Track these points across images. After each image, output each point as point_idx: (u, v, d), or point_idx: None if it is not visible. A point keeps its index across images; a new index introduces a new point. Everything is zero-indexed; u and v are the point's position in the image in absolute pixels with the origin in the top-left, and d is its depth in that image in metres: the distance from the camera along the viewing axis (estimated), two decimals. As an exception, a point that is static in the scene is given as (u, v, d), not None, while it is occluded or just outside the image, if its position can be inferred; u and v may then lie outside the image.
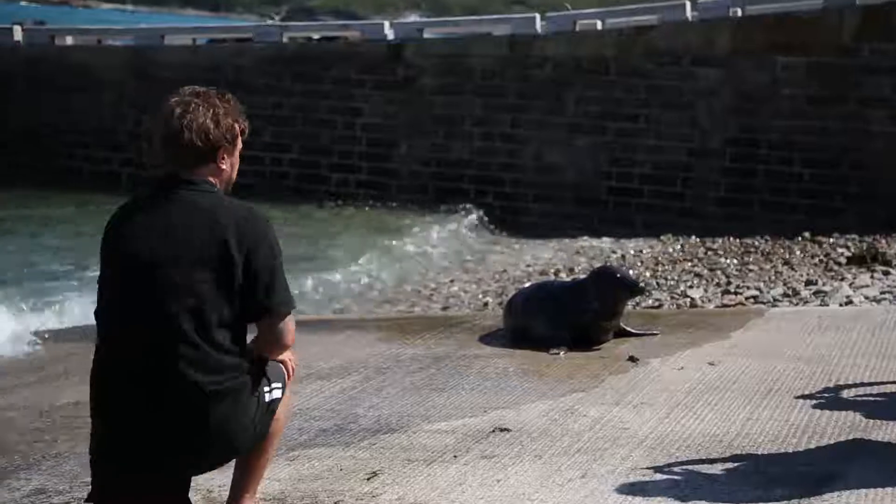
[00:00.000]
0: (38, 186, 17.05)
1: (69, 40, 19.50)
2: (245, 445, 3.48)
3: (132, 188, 16.34)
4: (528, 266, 13.02)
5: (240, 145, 3.53)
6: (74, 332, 7.85)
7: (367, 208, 16.95)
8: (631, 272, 7.13)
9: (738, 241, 13.72)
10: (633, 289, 6.65)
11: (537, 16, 17.41)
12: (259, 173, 16.95)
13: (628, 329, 6.75)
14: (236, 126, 3.47)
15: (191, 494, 3.59)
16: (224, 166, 3.46)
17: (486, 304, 10.39)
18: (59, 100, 18.23)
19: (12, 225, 15.08)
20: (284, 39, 18.33)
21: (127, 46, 19.14)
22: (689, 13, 16.06)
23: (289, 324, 3.47)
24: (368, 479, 4.33)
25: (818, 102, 14.81)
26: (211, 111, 3.40)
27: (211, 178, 3.43)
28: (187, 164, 3.41)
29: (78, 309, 8.93)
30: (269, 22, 35.68)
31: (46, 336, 7.83)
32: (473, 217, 16.03)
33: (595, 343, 6.49)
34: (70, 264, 12.36)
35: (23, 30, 19.62)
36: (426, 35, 18.08)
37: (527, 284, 9.09)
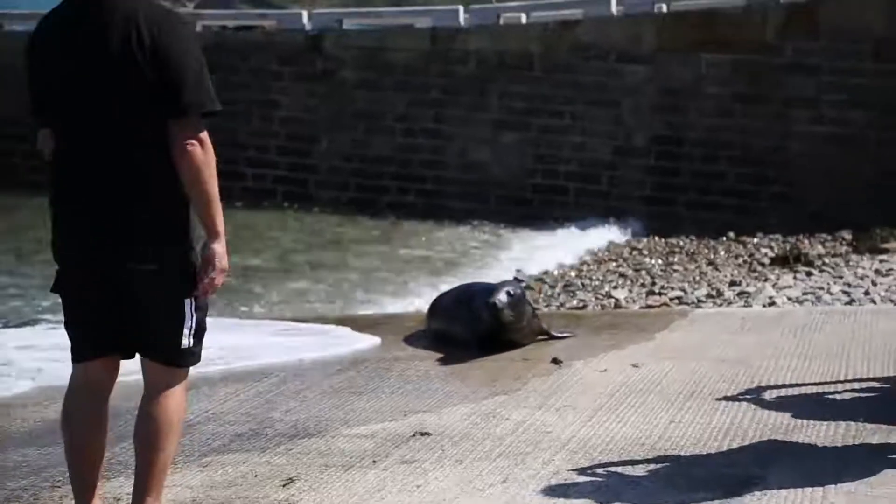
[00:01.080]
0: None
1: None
2: None
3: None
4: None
5: None
6: None
7: (286, 207, 16.81)
8: (508, 293, 6.42)
9: (662, 241, 13.87)
10: (491, 311, 6.32)
11: (460, 8, 17.44)
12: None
13: (548, 331, 6.77)
14: None
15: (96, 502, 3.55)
16: None
17: (410, 302, 10.41)
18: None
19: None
20: (199, 28, 18.11)
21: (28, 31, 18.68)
22: (613, 8, 16.21)
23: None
24: (284, 485, 4.30)
25: (742, 101, 15.04)
26: None
27: None
28: None
29: None
30: (183, 10, 35.20)
31: None
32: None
33: (516, 345, 6.51)
34: None
35: None
36: (346, 26, 18.03)
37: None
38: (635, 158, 15.60)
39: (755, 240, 13.33)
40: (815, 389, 5.51)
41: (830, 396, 5.38)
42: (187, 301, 3.48)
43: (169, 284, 3.47)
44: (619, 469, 4.36)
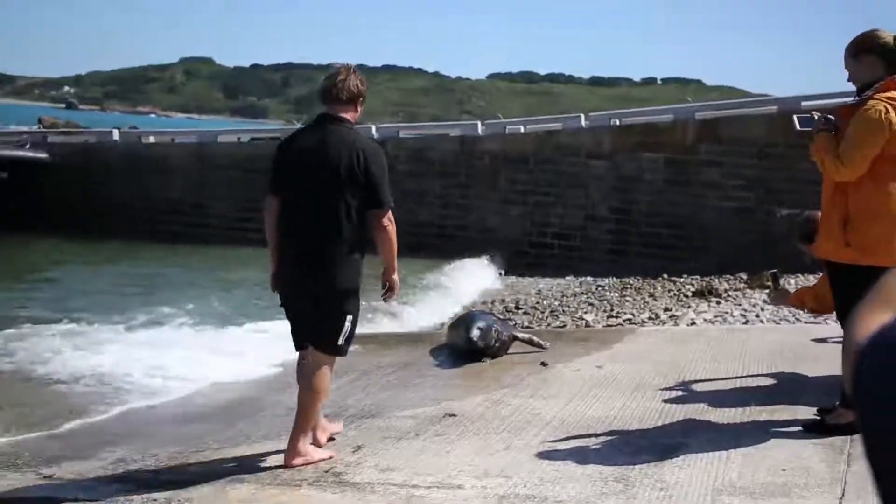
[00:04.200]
0: (132, 240, 16.79)
1: (152, 139, 19.37)
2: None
3: (187, 240, 16.31)
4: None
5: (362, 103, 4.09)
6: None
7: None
8: (480, 327, 6.15)
9: (618, 280, 13.76)
10: (469, 342, 6.09)
11: (479, 123, 17.56)
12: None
13: (529, 340, 6.58)
14: (364, 90, 4.08)
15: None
16: (357, 113, 4.06)
17: (442, 324, 10.31)
18: (144, 180, 18.05)
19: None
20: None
21: (192, 142, 19.03)
22: (583, 122, 16.23)
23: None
24: (354, 451, 4.25)
25: (672, 184, 14.99)
26: (356, 78, 4.04)
27: (349, 118, 4.00)
28: (336, 107, 3.99)
29: None
30: (295, 125, 35.64)
31: None
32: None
33: (495, 356, 6.23)
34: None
35: (119, 132, 19.46)
36: (401, 135, 18.15)
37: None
38: (599, 223, 15.54)
39: (681, 279, 13.18)
40: (722, 384, 5.42)
41: (732, 387, 5.29)
42: (348, 317, 3.95)
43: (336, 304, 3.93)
44: (586, 441, 4.30)
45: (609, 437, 4.32)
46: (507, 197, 16.27)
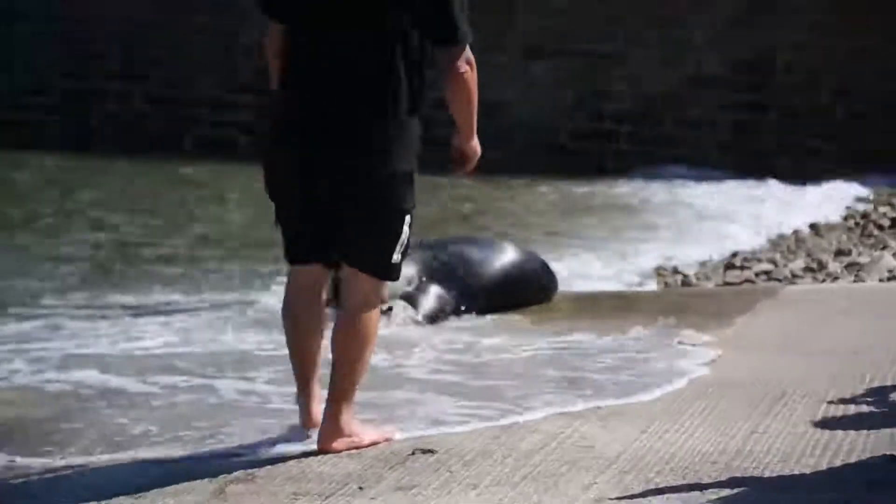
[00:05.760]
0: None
1: None
2: None
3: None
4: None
5: None
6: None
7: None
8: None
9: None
10: None
11: None
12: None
13: None
14: None
15: None
16: None
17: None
18: None
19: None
20: None
21: None
22: None
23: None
24: None
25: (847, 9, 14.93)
26: None
27: None
28: None
29: None
30: None
31: None
32: None
33: None
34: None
35: None
36: None
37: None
38: (705, 90, 15.55)
39: (870, 197, 13.21)
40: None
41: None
42: (406, 217, 4.76)
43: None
44: (684, 495, 4.28)
45: (726, 491, 4.29)
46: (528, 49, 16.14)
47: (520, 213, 13.27)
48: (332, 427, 4.79)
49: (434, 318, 7.11)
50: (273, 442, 5.05)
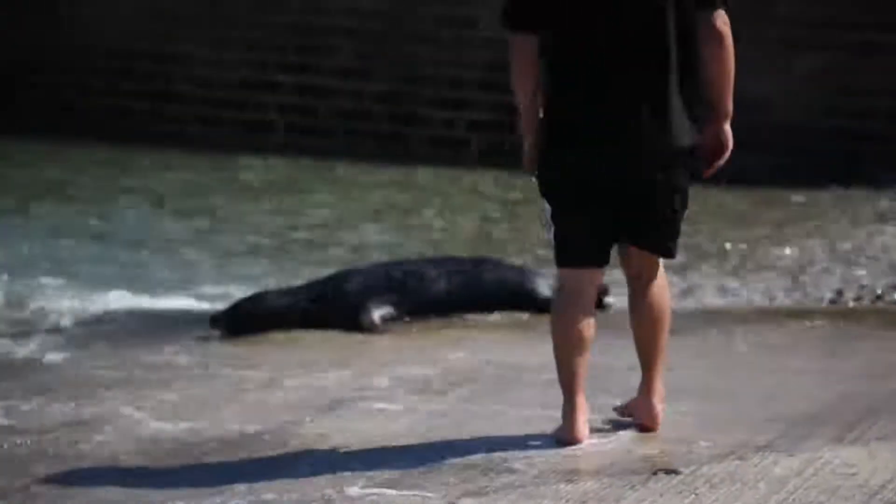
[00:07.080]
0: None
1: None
2: None
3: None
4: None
5: None
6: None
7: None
8: None
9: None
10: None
11: None
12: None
13: None
14: None
15: None
16: None
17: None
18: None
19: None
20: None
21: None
22: None
23: None
24: None
25: None
26: None
27: None
28: None
29: None
30: None
31: None
32: None
33: None
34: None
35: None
36: None
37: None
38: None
39: None
40: None
41: None
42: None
43: None
44: None
45: None
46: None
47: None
48: (657, 407, 5.10)
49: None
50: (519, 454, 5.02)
